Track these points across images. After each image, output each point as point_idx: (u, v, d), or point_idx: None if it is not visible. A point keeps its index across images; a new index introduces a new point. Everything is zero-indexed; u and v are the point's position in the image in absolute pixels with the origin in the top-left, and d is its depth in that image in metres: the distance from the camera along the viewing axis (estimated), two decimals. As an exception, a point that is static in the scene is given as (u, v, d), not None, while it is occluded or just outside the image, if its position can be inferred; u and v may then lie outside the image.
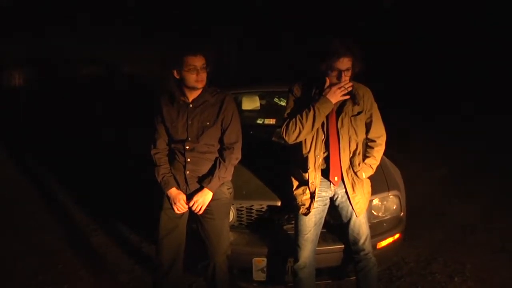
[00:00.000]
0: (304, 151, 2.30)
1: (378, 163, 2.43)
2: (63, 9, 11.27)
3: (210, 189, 2.28)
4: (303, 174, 2.32)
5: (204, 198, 2.28)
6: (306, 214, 2.32)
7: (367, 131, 2.39)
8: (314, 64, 2.23)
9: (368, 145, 2.43)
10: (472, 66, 10.00)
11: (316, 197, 2.30)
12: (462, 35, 10.43)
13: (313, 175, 2.29)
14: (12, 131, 7.46)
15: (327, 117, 2.26)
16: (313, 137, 2.28)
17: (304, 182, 2.34)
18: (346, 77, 2.18)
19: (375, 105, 2.37)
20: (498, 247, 3.40)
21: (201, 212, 2.30)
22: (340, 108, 2.28)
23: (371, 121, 2.36)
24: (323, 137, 2.27)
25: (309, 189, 2.31)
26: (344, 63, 2.15)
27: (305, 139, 2.29)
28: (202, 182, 2.30)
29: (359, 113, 2.29)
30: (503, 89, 9.04)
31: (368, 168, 2.39)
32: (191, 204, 2.28)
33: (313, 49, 2.31)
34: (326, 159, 2.30)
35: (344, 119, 2.27)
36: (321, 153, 2.28)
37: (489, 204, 4.22)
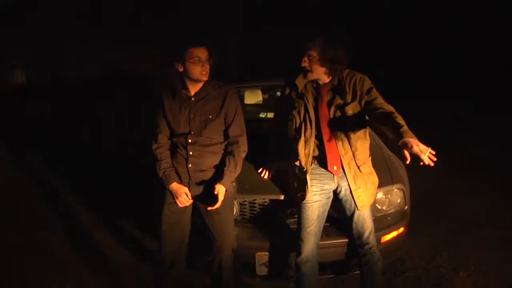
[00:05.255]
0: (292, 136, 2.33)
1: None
2: (64, 9, 11.26)
3: (224, 185, 2.23)
4: (295, 162, 2.32)
5: (222, 195, 2.24)
6: (302, 198, 2.29)
7: (378, 109, 2.08)
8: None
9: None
10: (472, 64, 9.98)
11: (309, 182, 2.27)
12: (461, 34, 10.40)
13: (304, 161, 2.27)
14: (14, 129, 7.46)
15: (316, 108, 2.24)
16: (301, 124, 2.27)
17: (299, 169, 2.33)
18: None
19: (373, 89, 2.19)
20: (503, 241, 3.37)
21: (218, 205, 2.25)
22: (330, 101, 2.25)
23: (377, 103, 2.11)
24: (310, 126, 2.24)
25: (302, 175, 2.30)
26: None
27: (295, 128, 2.31)
28: (215, 182, 2.25)
29: (352, 101, 2.20)
30: (503, 89, 9.01)
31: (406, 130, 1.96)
32: (216, 206, 2.23)
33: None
34: (322, 150, 2.27)
35: (336, 111, 2.23)
36: (311, 140, 2.25)
37: (492, 198, 4.19)
